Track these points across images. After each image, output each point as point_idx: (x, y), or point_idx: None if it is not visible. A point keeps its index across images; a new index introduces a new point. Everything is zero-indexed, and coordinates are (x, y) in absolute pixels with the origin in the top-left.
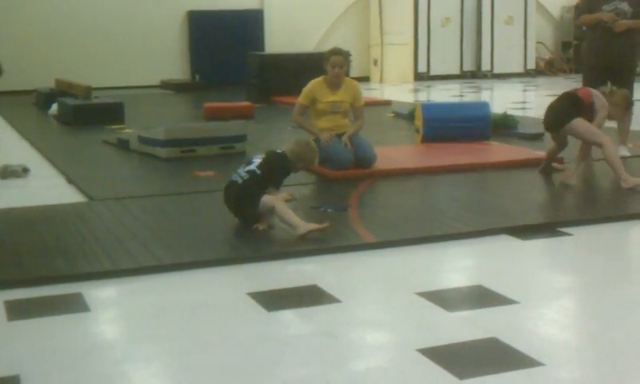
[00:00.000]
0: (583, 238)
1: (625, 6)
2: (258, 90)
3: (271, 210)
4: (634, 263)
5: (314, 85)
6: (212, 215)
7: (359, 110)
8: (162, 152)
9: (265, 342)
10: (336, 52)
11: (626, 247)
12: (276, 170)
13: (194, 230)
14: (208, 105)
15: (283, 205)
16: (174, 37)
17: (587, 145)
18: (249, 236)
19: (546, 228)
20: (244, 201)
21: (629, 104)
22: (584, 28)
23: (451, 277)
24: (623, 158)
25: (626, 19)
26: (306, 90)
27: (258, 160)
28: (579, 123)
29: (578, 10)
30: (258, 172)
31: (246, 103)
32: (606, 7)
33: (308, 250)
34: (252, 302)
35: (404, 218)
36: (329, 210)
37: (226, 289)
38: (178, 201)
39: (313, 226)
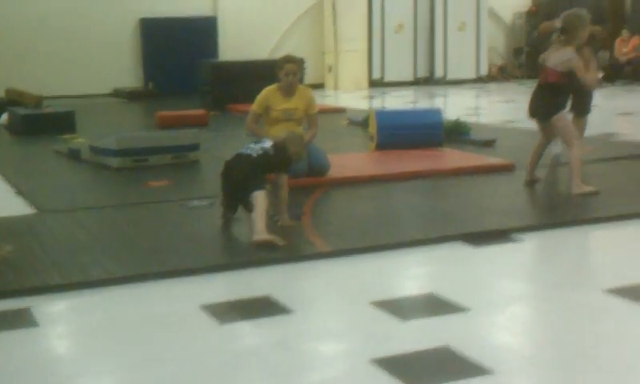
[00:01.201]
0: (535, 244)
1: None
2: (211, 97)
3: (252, 204)
4: (585, 268)
5: (268, 92)
6: (164, 226)
7: (313, 117)
8: (113, 162)
9: (218, 355)
10: (289, 60)
11: (576, 253)
12: (287, 156)
13: (146, 242)
14: (161, 113)
15: (263, 208)
16: (126, 44)
17: (542, 146)
18: (201, 247)
19: (499, 234)
20: (254, 173)
21: (584, 21)
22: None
23: (405, 285)
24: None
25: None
26: (259, 97)
27: (268, 143)
28: (561, 119)
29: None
30: (271, 152)
31: (199, 111)
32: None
33: (261, 259)
34: (205, 314)
35: (358, 227)
36: (278, 219)
37: (179, 301)
38: (129, 212)
39: (270, 237)
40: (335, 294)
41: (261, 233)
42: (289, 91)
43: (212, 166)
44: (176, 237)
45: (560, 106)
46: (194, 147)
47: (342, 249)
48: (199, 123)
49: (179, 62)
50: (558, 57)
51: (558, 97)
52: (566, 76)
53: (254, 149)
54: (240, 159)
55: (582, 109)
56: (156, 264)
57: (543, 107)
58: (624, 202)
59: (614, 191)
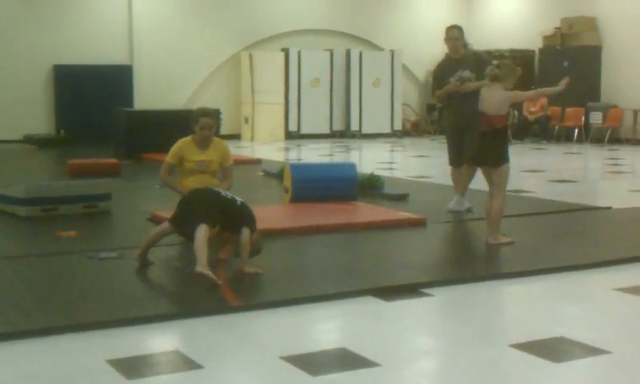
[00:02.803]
0: (444, 299)
1: (467, 73)
2: (125, 146)
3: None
4: (494, 323)
5: (183, 144)
6: (73, 278)
7: (228, 169)
8: (21, 211)
9: None
10: (205, 113)
11: (484, 307)
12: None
13: (54, 294)
14: (73, 161)
15: (204, 240)
16: (38, 90)
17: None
18: (110, 299)
19: (410, 289)
20: (226, 212)
21: (513, 69)
22: (439, 104)
23: (316, 340)
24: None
25: (470, 83)
26: (174, 148)
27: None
28: (506, 169)
29: (432, 87)
30: (238, 202)
31: (112, 160)
32: (451, 79)
33: (171, 313)
34: (111, 369)
35: (271, 280)
36: (188, 271)
37: (85, 356)
38: (37, 262)
39: (209, 274)
40: (246, 348)
41: (200, 265)
42: (204, 144)
43: (124, 216)
44: (84, 289)
45: (508, 153)
46: (106, 197)
47: (253, 303)
48: (112, 172)
49: (93, 110)
50: (497, 99)
51: (506, 140)
52: (507, 116)
53: (226, 193)
54: (221, 198)
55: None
56: (63, 317)
57: (497, 153)
58: (532, 258)
59: (521, 247)
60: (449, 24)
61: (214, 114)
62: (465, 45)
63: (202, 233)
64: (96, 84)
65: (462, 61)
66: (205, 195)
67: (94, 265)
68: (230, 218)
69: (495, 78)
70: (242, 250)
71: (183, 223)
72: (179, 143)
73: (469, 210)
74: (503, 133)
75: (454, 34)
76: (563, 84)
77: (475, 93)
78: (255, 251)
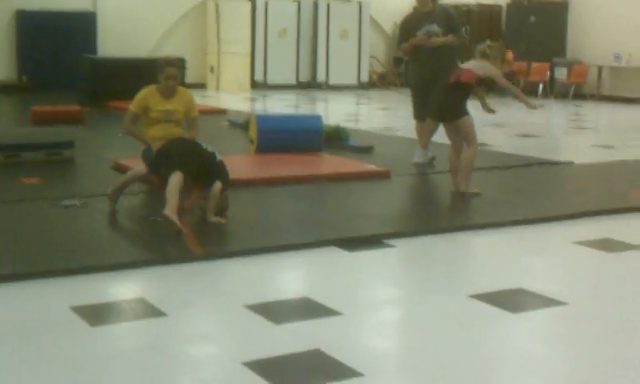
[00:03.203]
0: (407, 250)
1: (434, 28)
2: (89, 93)
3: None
4: (455, 275)
5: (147, 92)
6: (36, 225)
7: (193, 120)
8: None
9: (88, 359)
10: (170, 63)
11: (446, 259)
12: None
13: (17, 241)
14: (35, 108)
15: (177, 187)
16: (0, 36)
17: (456, 149)
18: (74, 247)
19: (373, 240)
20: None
21: (503, 54)
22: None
23: (279, 289)
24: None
25: (437, 37)
26: (138, 97)
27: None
28: (468, 121)
29: (398, 40)
30: (217, 158)
31: (75, 107)
32: (418, 32)
33: (135, 261)
34: (75, 316)
35: (235, 230)
36: (159, 219)
37: (49, 303)
38: (0, 209)
39: (175, 219)
40: (209, 297)
41: (168, 208)
42: (168, 93)
43: (87, 164)
44: (48, 236)
45: (466, 107)
46: (69, 145)
47: (217, 252)
48: (75, 120)
49: (56, 57)
50: (477, 64)
51: (466, 98)
52: (478, 82)
53: (207, 147)
54: (201, 150)
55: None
56: (27, 264)
57: (453, 107)
58: (494, 211)
59: (484, 200)
60: None
61: (179, 64)
62: None
63: (175, 178)
64: (59, 30)
65: (430, 15)
66: (186, 145)
67: (58, 212)
68: (206, 171)
69: (484, 55)
70: (210, 199)
71: (160, 165)
72: (143, 92)
73: (432, 160)
74: (466, 89)
75: None
76: (534, 106)
77: (442, 48)
78: (222, 209)
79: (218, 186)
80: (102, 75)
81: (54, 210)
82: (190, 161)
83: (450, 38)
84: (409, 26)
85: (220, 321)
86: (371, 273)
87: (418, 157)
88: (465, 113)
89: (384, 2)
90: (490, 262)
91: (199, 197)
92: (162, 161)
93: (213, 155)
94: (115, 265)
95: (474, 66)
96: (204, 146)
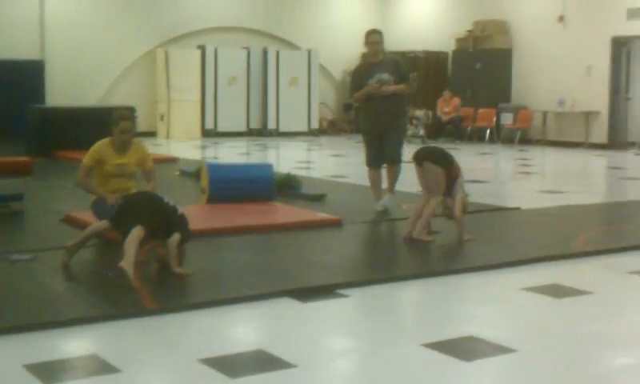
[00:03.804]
0: (360, 300)
1: (386, 76)
2: (38, 144)
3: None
4: (407, 323)
5: (101, 146)
6: None
7: (150, 171)
8: None
9: None
10: (124, 117)
11: (398, 307)
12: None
13: None
14: None
15: (137, 241)
16: None
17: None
18: (25, 303)
19: (325, 290)
20: (165, 220)
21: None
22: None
23: (233, 342)
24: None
25: (388, 86)
26: (92, 151)
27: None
28: (442, 173)
29: (350, 89)
30: (179, 212)
31: (24, 158)
32: (369, 81)
33: (87, 316)
34: (28, 374)
35: (188, 282)
36: (110, 274)
37: (2, 361)
38: None
39: (131, 272)
40: (163, 351)
41: (126, 262)
42: (123, 147)
43: (36, 216)
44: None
45: (444, 165)
46: (18, 197)
47: (170, 305)
48: (23, 171)
49: (3, 106)
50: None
51: (449, 166)
52: (453, 182)
53: (169, 200)
54: (155, 197)
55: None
56: None
57: (442, 154)
58: (443, 259)
59: (434, 248)
60: (364, 24)
61: (133, 117)
62: (382, 49)
63: (136, 232)
64: (6, 79)
65: (380, 64)
66: (149, 200)
67: (7, 267)
68: (166, 225)
69: None
70: (170, 251)
71: (121, 222)
72: (97, 146)
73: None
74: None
75: (376, 39)
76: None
77: (393, 96)
78: (181, 260)
79: (175, 237)
80: (51, 125)
81: (3, 266)
82: (152, 216)
83: (401, 87)
84: (360, 75)
85: (174, 376)
86: (325, 324)
87: (379, 206)
88: (444, 164)
89: (333, 49)
90: (440, 310)
91: (154, 246)
92: (124, 216)
93: (174, 209)
94: (68, 320)
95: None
96: (165, 199)
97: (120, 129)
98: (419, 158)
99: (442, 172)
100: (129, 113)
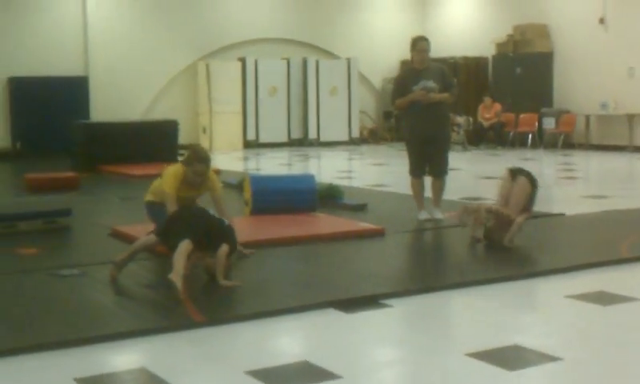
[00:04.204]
0: (403, 310)
1: (431, 84)
2: (83, 159)
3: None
4: (451, 333)
5: (178, 177)
6: (36, 296)
7: (217, 199)
8: None
9: None
10: (200, 159)
11: (442, 317)
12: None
13: (17, 313)
14: (30, 175)
15: (185, 254)
16: None
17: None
18: (74, 317)
19: (369, 300)
20: (210, 232)
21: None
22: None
23: (279, 353)
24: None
25: (435, 94)
26: (173, 181)
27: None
28: (530, 193)
29: (392, 96)
30: (226, 223)
31: (70, 173)
32: (414, 88)
33: (136, 330)
34: None
35: (232, 295)
36: (158, 287)
37: (52, 375)
38: None
39: (177, 285)
40: (211, 364)
41: (175, 274)
42: (195, 186)
43: (84, 231)
44: (48, 307)
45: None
46: (66, 212)
47: (217, 318)
48: (70, 186)
49: (49, 123)
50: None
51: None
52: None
53: (215, 213)
54: (200, 211)
55: (438, 170)
56: (27, 336)
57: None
58: (487, 267)
59: (476, 256)
60: (403, 32)
61: (209, 160)
62: (428, 56)
63: (184, 245)
64: (52, 96)
65: (426, 71)
66: (195, 214)
67: (57, 282)
68: (215, 237)
69: None
70: (217, 263)
71: (169, 236)
72: (176, 176)
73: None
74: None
75: (423, 46)
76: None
77: (437, 104)
78: (227, 272)
79: (224, 248)
80: (95, 140)
81: (53, 281)
82: (200, 230)
83: (446, 95)
84: (404, 81)
85: None
86: (369, 334)
87: (423, 215)
88: (533, 180)
89: (372, 57)
90: (484, 319)
91: (202, 257)
92: (171, 230)
93: (221, 221)
94: (116, 334)
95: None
96: (211, 212)
97: (194, 170)
98: (515, 171)
99: (530, 192)
100: (206, 155)
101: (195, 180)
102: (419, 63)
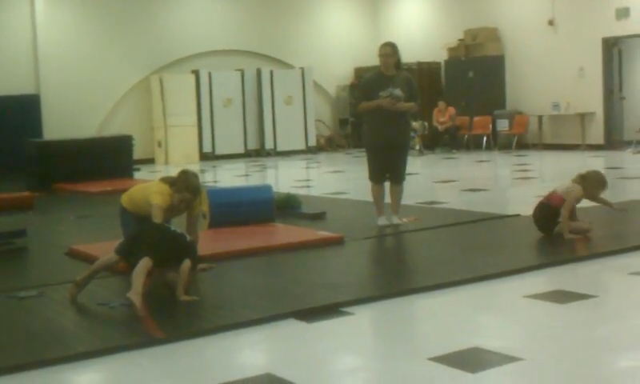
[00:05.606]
0: (364, 317)
1: (398, 92)
2: (37, 178)
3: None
4: (412, 338)
5: (167, 196)
6: None
7: (192, 219)
8: None
9: None
10: (191, 189)
11: (403, 322)
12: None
13: None
14: None
15: (144, 271)
16: None
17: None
18: (31, 340)
19: (330, 309)
20: (172, 248)
21: (603, 182)
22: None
23: (242, 367)
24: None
25: (402, 103)
26: (164, 196)
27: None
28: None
29: (356, 98)
30: (187, 238)
31: (24, 193)
32: (382, 93)
33: (97, 350)
34: None
35: (194, 309)
36: (115, 305)
37: None
38: None
39: (139, 303)
40: (174, 380)
41: (133, 292)
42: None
43: (40, 252)
44: (6, 330)
45: (556, 220)
46: (21, 233)
47: (177, 334)
48: (24, 205)
49: (1, 142)
50: (568, 189)
51: (553, 215)
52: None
53: (175, 229)
54: (161, 227)
55: (398, 177)
56: None
57: (546, 223)
58: (445, 271)
59: (435, 260)
60: (356, 40)
61: (199, 192)
62: (398, 63)
63: (144, 263)
64: (2, 115)
65: (393, 79)
66: (156, 231)
67: (14, 304)
68: (177, 253)
69: (581, 180)
70: (179, 278)
71: (131, 254)
72: (166, 194)
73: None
74: (555, 210)
75: (386, 51)
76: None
77: (403, 113)
78: (187, 287)
79: (187, 264)
80: (49, 158)
81: (10, 303)
82: (161, 247)
83: (412, 105)
84: (371, 86)
85: None
86: (331, 343)
87: (382, 221)
88: (555, 224)
89: (326, 66)
90: (445, 323)
91: (162, 272)
92: (132, 248)
93: (182, 236)
94: (77, 354)
95: (564, 192)
96: (172, 228)
97: (181, 198)
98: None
99: (578, 192)
100: (198, 187)
101: (179, 207)
102: (385, 69)
